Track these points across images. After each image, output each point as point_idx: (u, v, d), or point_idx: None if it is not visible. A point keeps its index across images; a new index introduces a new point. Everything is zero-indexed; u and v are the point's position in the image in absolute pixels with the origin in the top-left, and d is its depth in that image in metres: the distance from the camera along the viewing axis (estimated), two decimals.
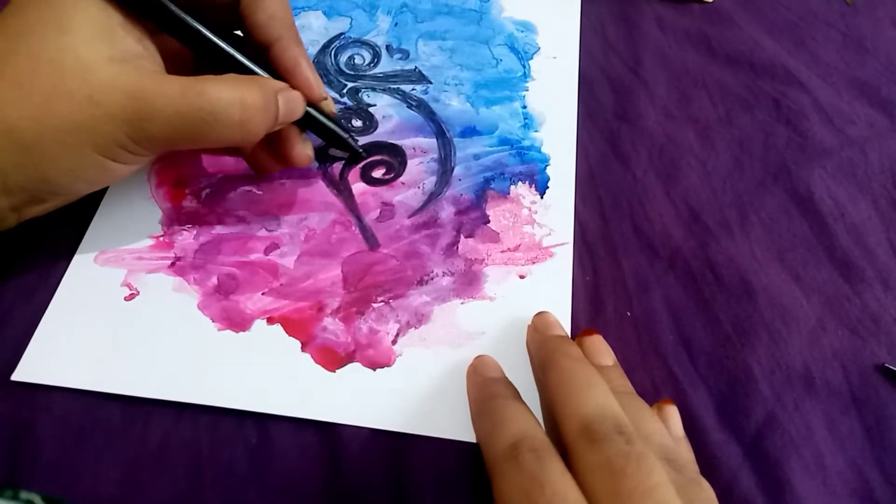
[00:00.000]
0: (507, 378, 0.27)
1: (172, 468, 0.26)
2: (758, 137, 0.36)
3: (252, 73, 0.27)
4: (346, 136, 0.31)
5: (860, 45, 0.39)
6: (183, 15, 0.25)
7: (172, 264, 0.30)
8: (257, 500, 0.25)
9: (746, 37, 0.39)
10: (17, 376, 0.27)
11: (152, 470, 0.26)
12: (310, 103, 0.29)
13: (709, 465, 0.26)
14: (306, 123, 0.29)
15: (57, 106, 0.23)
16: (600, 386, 0.24)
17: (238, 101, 0.25)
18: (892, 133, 0.36)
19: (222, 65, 0.26)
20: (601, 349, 0.27)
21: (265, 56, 0.28)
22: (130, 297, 0.29)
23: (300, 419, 0.27)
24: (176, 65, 0.27)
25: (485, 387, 0.26)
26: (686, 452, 0.25)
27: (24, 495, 0.22)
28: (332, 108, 0.30)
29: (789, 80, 0.38)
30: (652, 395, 0.28)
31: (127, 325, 0.28)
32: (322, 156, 0.34)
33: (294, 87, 0.28)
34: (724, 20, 0.40)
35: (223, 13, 0.27)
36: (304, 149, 0.30)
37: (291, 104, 0.28)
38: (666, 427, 0.25)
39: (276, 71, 0.28)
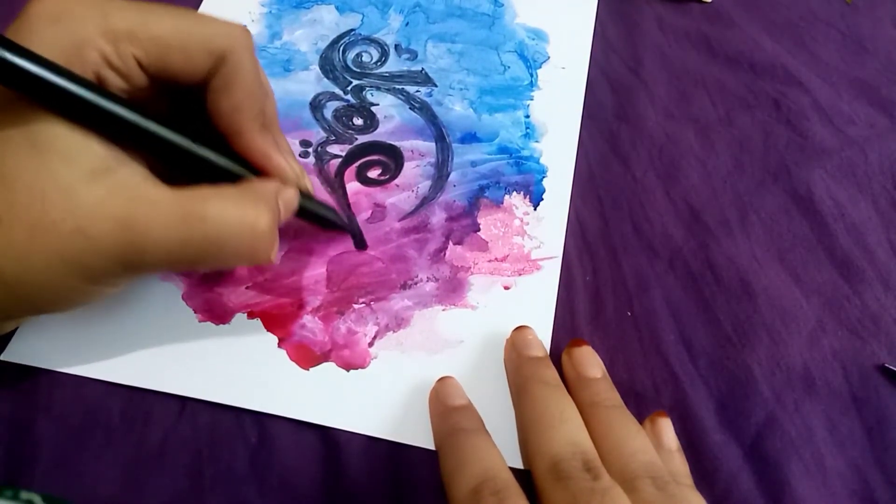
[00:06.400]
0: (471, 406, 0.26)
1: (172, 468, 0.26)
2: (758, 137, 0.36)
3: (238, 174, 0.24)
4: (333, 215, 0.30)
5: (860, 45, 0.39)
6: (152, 127, 0.22)
7: None
8: (257, 500, 0.25)
9: (746, 37, 0.39)
10: (5, 357, 0.27)
11: (152, 470, 0.26)
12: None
13: (709, 467, 0.26)
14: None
15: (42, 241, 0.20)
16: (572, 421, 0.24)
17: (249, 225, 0.22)
18: (892, 133, 0.36)
19: (204, 165, 0.24)
20: (590, 360, 0.27)
21: (228, 143, 0.25)
22: None
23: (300, 420, 0.27)
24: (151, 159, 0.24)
25: (447, 417, 0.26)
26: (679, 465, 0.25)
27: (24, 495, 0.22)
28: (310, 185, 0.28)
29: (789, 80, 0.38)
30: (652, 395, 0.28)
31: (112, 312, 0.28)
32: (319, 152, 0.34)
33: (269, 174, 0.25)
34: (724, 20, 0.40)
35: (185, 94, 0.24)
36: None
37: (290, 205, 0.25)
38: (658, 440, 0.25)
39: (245, 160, 0.25)
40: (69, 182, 0.20)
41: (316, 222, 0.30)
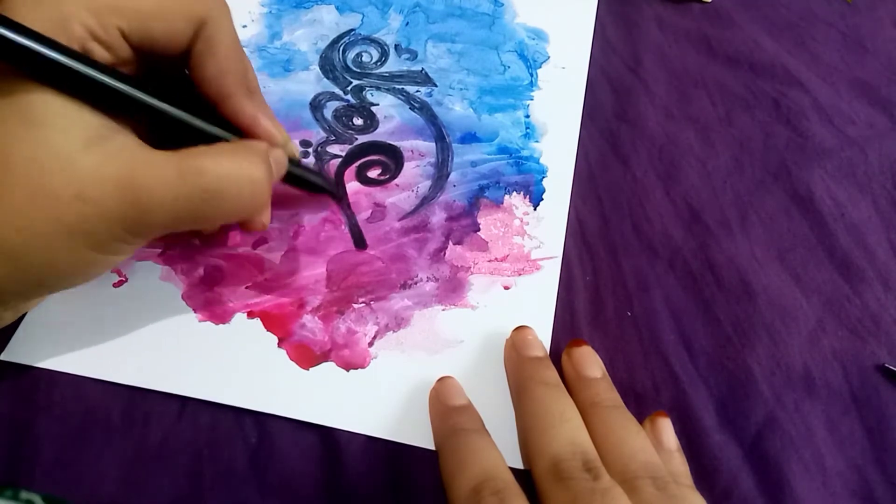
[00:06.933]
0: (471, 406, 0.27)
1: (172, 468, 0.26)
2: (758, 137, 0.36)
3: (227, 139, 0.25)
4: (320, 180, 0.30)
5: (860, 45, 0.39)
6: (140, 95, 0.22)
7: (163, 252, 0.30)
8: (257, 500, 0.25)
9: (746, 37, 0.39)
10: (5, 356, 0.27)
11: (152, 470, 0.26)
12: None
13: (709, 467, 0.26)
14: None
15: (43, 209, 0.20)
16: (572, 420, 0.24)
17: (246, 175, 0.23)
18: (892, 133, 0.36)
19: (191, 133, 0.24)
20: (589, 360, 0.27)
21: (215, 111, 0.25)
22: (119, 284, 0.29)
23: (300, 419, 0.27)
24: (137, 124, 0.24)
25: (447, 418, 0.26)
26: (679, 465, 0.25)
27: (24, 495, 0.22)
28: (295, 150, 0.28)
29: (789, 80, 0.38)
30: (652, 395, 0.28)
31: (113, 312, 0.29)
32: (319, 152, 0.34)
33: (257, 138, 0.25)
34: (724, 20, 0.40)
35: (168, 66, 0.25)
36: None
37: (280, 165, 0.26)
38: (658, 440, 0.26)
39: (233, 125, 0.25)
40: (66, 151, 0.20)
41: (303, 187, 0.30)
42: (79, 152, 0.20)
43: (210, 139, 0.24)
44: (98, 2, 0.21)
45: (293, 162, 0.28)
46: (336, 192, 0.32)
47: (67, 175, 0.20)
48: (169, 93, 0.23)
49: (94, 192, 0.20)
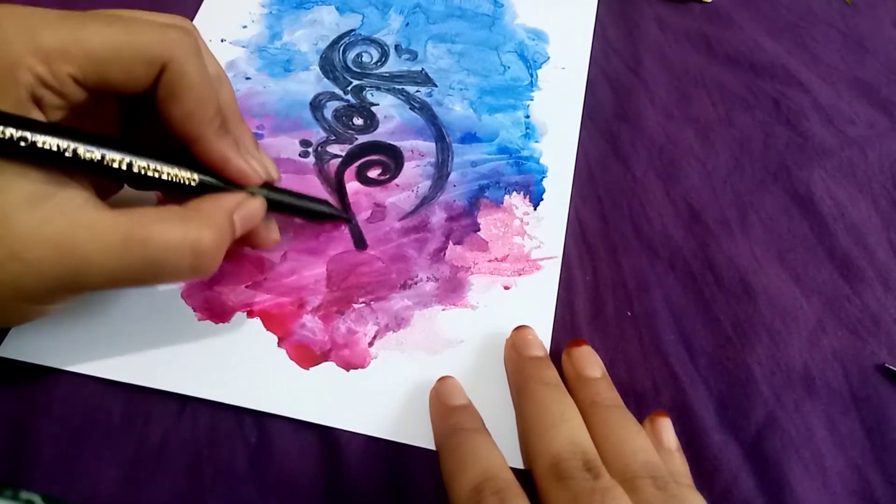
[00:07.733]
0: (471, 405, 0.27)
1: (172, 468, 0.26)
2: (758, 137, 0.36)
3: (184, 183, 0.24)
4: (317, 206, 0.30)
5: (860, 45, 0.39)
6: (83, 153, 0.21)
7: None
8: (257, 500, 0.25)
9: (746, 37, 0.39)
10: (1, 352, 0.27)
11: (152, 470, 0.26)
12: (265, 186, 0.26)
13: (709, 467, 0.26)
14: (270, 208, 0.27)
15: None
16: (572, 420, 0.24)
17: (189, 247, 0.22)
18: (892, 133, 0.36)
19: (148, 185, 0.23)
20: (589, 360, 0.27)
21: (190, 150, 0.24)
22: None
23: (300, 419, 0.27)
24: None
25: (448, 417, 0.26)
26: (679, 464, 0.25)
27: (24, 495, 0.22)
28: (275, 173, 0.27)
29: (789, 80, 0.38)
30: (652, 395, 0.28)
31: (111, 310, 0.28)
32: (319, 152, 0.34)
33: (230, 179, 0.25)
34: (724, 20, 0.40)
35: (136, 107, 0.24)
36: (269, 233, 0.27)
37: (249, 217, 0.25)
38: (658, 440, 0.26)
39: (206, 166, 0.24)
40: (4, 210, 0.20)
41: (297, 214, 0.29)
42: (18, 211, 0.20)
43: (170, 185, 0.24)
44: (47, 48, 0.20)
45: (278, 191, 0.27)
46: (344, 216, 0.31)
47: (4, 234, 0.20)
48: (133, 128, 0.22)
49: (31, 254, 0.20)
